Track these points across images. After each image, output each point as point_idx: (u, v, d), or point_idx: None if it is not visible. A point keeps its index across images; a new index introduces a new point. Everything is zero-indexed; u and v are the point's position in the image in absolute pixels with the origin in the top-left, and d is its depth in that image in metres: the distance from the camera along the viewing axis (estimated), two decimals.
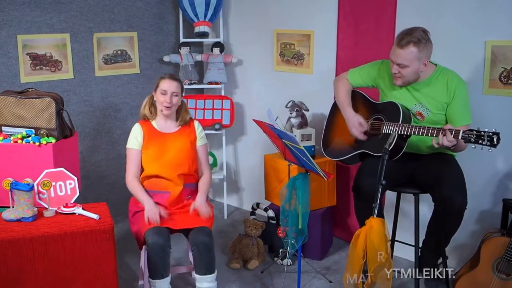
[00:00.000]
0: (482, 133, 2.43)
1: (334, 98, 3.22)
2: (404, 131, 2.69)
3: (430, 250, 2.89)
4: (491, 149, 2.43)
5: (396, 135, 2.67)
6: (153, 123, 2.98)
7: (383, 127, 2.82)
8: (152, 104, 3.00)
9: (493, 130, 2.42)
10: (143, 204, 2.81)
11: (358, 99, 3.08)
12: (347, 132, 3.04)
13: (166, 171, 2.88)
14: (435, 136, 2.59)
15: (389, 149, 2.54)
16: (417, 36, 2.64)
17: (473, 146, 2.48)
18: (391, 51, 2.75)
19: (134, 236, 2.81)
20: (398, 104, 2.80)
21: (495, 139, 2.40)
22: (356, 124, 2.94)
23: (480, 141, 2.43)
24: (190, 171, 2.95)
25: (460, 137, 2.48)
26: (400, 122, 2.73)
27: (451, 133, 2.50)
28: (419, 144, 2.86)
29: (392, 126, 2.75)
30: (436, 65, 2.82)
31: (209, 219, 2.84)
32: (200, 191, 2.96)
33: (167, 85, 2.89)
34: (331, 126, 3.23)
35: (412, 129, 2.67)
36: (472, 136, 2.45)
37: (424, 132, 2.63)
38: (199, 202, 2.87)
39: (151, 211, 2.75)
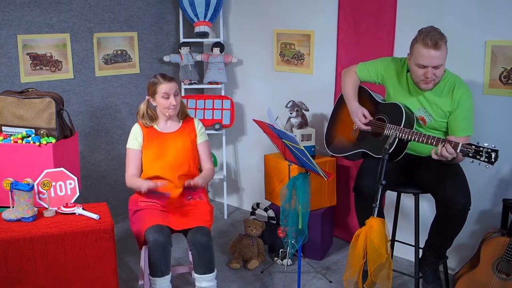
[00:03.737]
0: (481, 148, 2.41)
1: (341, 92, 3.18)
2: (404, 136, 2.68)
3: (433, 251, 2.89)
4: (488, 165, 2.41)
5: (397, 138, 2.67)
6: (154, 125, 2.98)
7: (385, 129, 2.81)
8: (149, 108, 2.97)
9: (492, 146, 2.39)
10: (142, 186, 2.78)
11: (364, 96, 3.05)
12: (350, 128, 3.03)
13: (166, 172, 2.87)
14: (435, 146, 2.57)
15: (389, 149, 2.54)
16: (440, 33, 2.61)
17: (470, 161, 2.47)
18: (421, 56, 2.62)
19: (134, 235, 2.80)
20: (402, 107, 2.78)
21: (493, 156, 2.38)
22: (360, 114, 2.92)
23: (478, 157, 2.41)
24: (190, 171, 2.94)
25: (458, 150, 2.46)
26: (402, 126, 2.72)
27: (451, 145, 2.49)
28: (420, 149, 2.85)
29: (393, 129, 2.74)
30: (445, 70, 2.77)
31: (209, 220, 2.83)
32: (200, 176, 2.94)
33: (166, 87, 2.86)
34: (335, 121, 3.21)
35: (413, 136, 2.65)
36: (470, 150, 2.43)
37: (424, 140, 2.62)
38: (195, 180, 2.84)
39: (149, 183, 2.75)
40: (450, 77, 2.78)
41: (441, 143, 2.53)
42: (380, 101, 2.99)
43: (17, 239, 2.30)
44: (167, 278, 2.68)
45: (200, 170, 3.06)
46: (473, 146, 2.43)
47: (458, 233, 2.74)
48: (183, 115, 3.03)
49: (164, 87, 2.86)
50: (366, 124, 2.91)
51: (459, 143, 2.47)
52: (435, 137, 2.58)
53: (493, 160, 2.38)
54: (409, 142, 2.74)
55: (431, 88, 2.74)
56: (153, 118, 2.97)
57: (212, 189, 4.80)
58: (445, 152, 2.50)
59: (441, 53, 2.61)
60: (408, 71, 2.87)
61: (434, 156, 2.57)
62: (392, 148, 2.67)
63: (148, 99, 2.96)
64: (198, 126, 3.05)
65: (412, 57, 2.70)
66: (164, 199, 2.88)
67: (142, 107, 2.98)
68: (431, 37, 2.58)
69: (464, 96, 2.73)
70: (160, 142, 2.93)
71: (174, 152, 2.93)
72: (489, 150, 2.39)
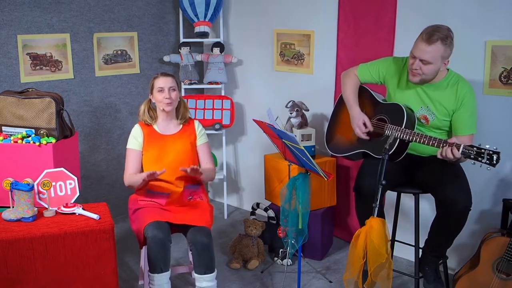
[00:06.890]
0: (483, 150, 2.40)
1: (341, 92, 3.18)
2: (405, 137, 2.68)
3: (432, 250, 2.89)
4: (490, 167, 2.41)
5: (398, 138, 2.67)
6: (154, 126, 2.98)
7: (386, 130, 2.81)
8: (151, 108, 3.00)
9: (494, 148, 2.39)
10: (141, 176, 2.79)
11: (364, 96, 3.05)
12: (351, 129, 3.02)
13: (166, 173, 2.86)
14: (436, 147, 2.57)
15: (389, 150, 2.54)
16: (445, 34, 2.61)
17: (472, 163, 2.47)
18: (415, 46, 2.68)
19: (135, 233, 2.80)
20: (403, 107, 2.77)
21: (494, 158, 2.38)
22: (360, 123, 2.91)
23: (480, 158, 2.41)
24: None
25: (460, 152, 2.46)
26: (403, 127, 2.71)
27: (452, 147, 2.49)
28: (421, 149, 2.83)
29: (394, 130, 2.73)
30: (448, 69, 2.79)
31: (209, 220, 2.83)
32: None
33: (162, 81, 2.90)
34: (335, 121, 3.21)
35: (414, 137, 2.65)
36: (472, 152, 2.43)
37: (425, 141, 2.61)
38: (192, 166, 2.81)
39: (148, 173, 2.75)
40: (454, 76, 2.79)
41: (443, 144, 2.53)
42: (381, 101, 2.98)
43: (17, 239, 2.30)
44: (166, 274, 2.67)
45: None
46: (474, 148, 2.43)
47: (458, 233, 2.74)
48: (183, 120, 3.03)
49: (159, 81, 2.91)
50: (367, 133, 2.91)
51: (460, 145, 2.47)
52: (437, 138, 2.58)
53: (495, 162, 2.38)
54: (410, 143, 2.73)
55: (416, 82, 2.76)
56: (153, 117, 2.99)
57: (212, 189, 4.80)
58: (450, 154, 2.49)
59: (433, 50, 2.61)
60: None
61: (439, 156, 2.57)
62: (394, 149, 2.66)
63: (150, 98, 2.99)
64: (198, 128, 3.05)
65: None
66: (163, 198, 2.88)
67: (142, 107, 3.01)
68: (431, 33, 2.62)
69: (468, 95, 2.73)
70: (160, 144, 2.93)
71: (174, 154, 2.93)
72: (490, 152, 2.39)
